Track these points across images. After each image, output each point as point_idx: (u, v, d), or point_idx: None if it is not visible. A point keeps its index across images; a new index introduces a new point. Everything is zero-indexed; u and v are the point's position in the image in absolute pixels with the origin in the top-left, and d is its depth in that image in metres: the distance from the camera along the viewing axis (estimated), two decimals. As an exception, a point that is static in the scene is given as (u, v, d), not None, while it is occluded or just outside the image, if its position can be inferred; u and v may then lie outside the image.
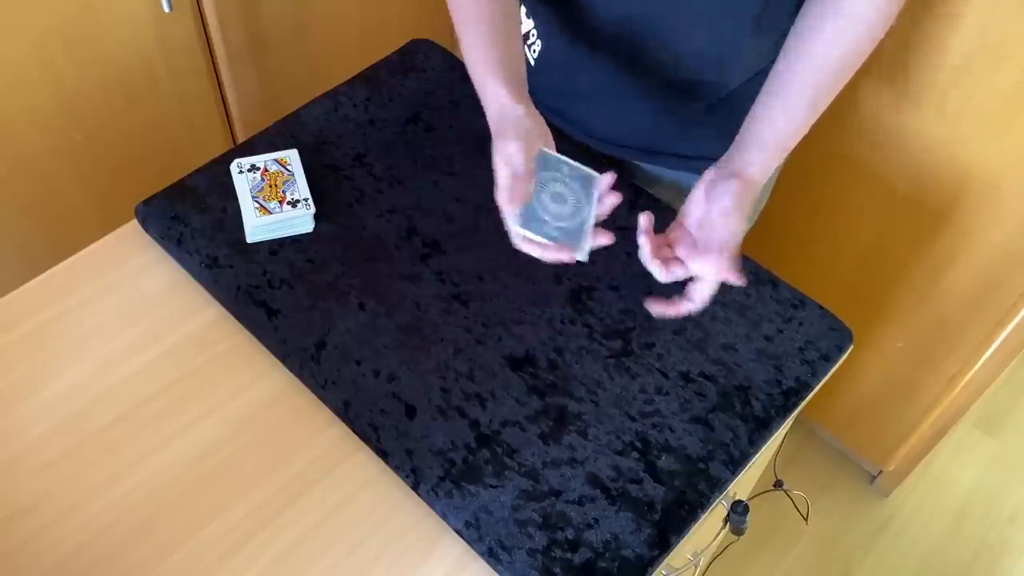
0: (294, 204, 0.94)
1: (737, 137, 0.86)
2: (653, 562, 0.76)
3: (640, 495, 0.79)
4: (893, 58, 1.23)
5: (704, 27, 0.89)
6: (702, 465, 0.82)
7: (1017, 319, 1.34)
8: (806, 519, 1.22)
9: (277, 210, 0.93)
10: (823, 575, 1.71)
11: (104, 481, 0.80)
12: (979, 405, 1.59)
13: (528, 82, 1.06)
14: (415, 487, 0.79)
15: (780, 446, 1.08)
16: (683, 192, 1.09)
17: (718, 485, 0.81)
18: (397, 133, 1.05)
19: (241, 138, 1.54)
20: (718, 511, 0.89)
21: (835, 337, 0.92)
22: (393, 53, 1.14)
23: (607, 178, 0.83)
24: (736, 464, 0.82)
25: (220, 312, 0.91)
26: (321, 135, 1.04)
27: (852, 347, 0.92)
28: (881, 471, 1.77)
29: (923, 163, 1.29)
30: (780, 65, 0.84)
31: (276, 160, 0.97)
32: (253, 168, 0.96)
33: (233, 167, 0.96)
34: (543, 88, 1.06)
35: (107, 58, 1.28)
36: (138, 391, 0.85)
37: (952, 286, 1.39)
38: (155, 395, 0.85)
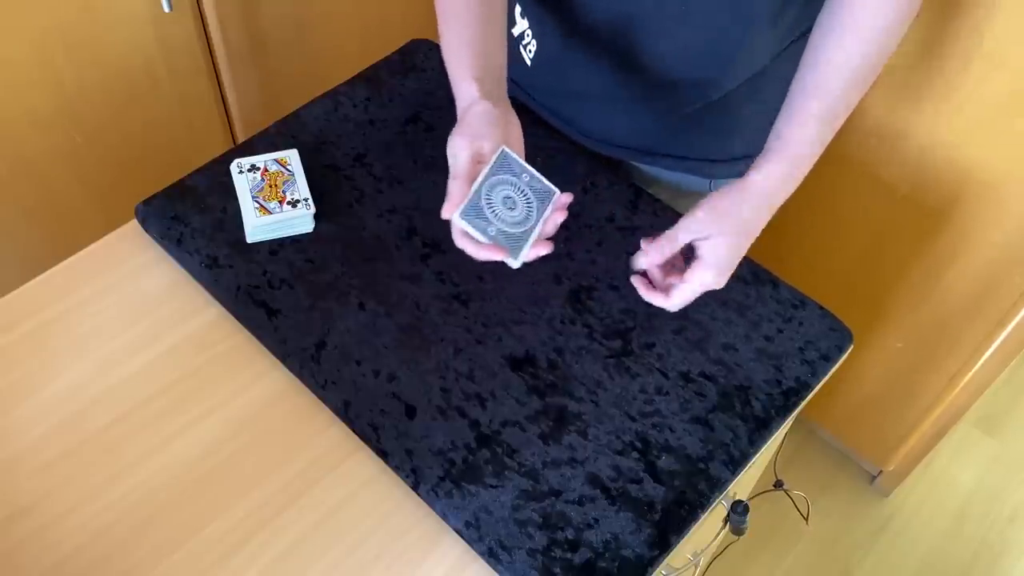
0: (294, 204, 0.94)
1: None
2: (653, 562, 0.76)
3: (640, 495, 0.79)
4: (893, 58, 1.23)
5: (697, 27, 0.89)
6: (702, 465, 0.82)
7: (1017, 319, 1.34)
8: (806, 519, 1.22)
9: (277, 210, 0.93)
10: (823, 575, 1.71)
11: (104, 481, 0.80)
12: (979, 405, 1.59)
13: (524, 82, 1.06)
14: (415, 487, 0.80)
15: (780, 446, 1.08)
16: (682, 192, 1.09)
17: (718, 485, 0.81)
18: (397, 133, 1.05)
19: (241, 138, 1.54)
20: (718, 511, 0.89)
21: (835, 337, 0.92)
22: (393, 53, 1.14)
23: (564, 197, 0.82)
24: (736, 464, 0.82)
25: (220, 312, 0.91)
26: (321, 135, 1.04)
27: (852, 347, 0.92)
28: (881, 471, 1.77)
29: (923, 163, 1.29)
30: (796, 76, 0.84)
31: (276, 160, 0.97)
32: (253, 168, 0.96)
33: (233, 167, 0.96)
34: (540, 88, 1.06)
35: (107, 58, 1.28)
36: (138, 391, 0.85)
37: (952, 286, 1.39)
38: (155, 395, 0.85)
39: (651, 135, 1.04)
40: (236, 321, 0.90)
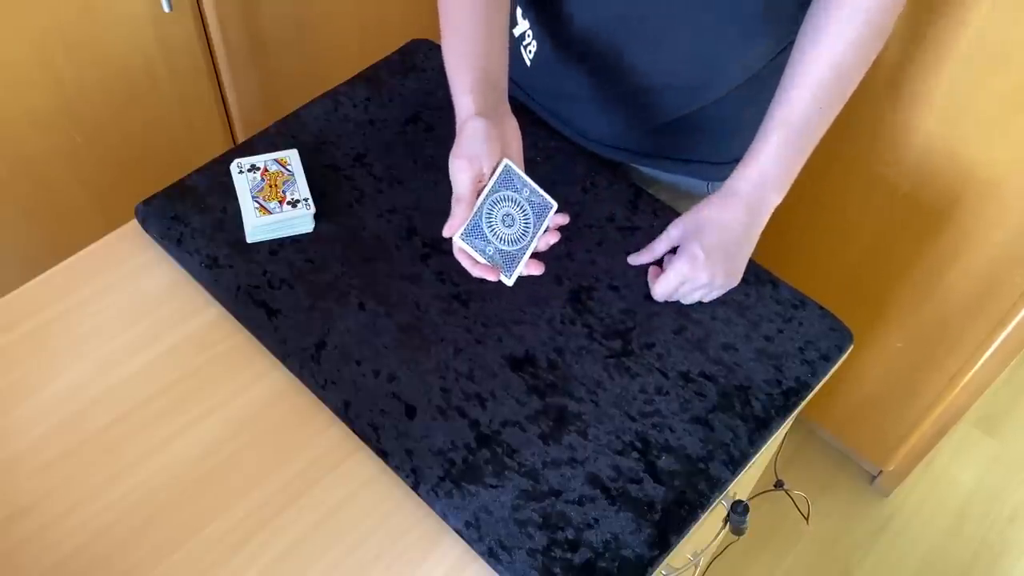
0: (294, 204, 0.94)
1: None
2: (653, 562, 0.76)
3: (640, 495, 0.79)
4: (893, 59, 1.23)
5: (692, 31, 0.89)
6: (702, 465, 0.82)
7: (1017, 319, 1.34)
8: (806, 519, 1.22)
9: (277, 210, 0.93)
10: (823, 575, 1.71)
11: (104, 481, 0.80)
12: (979, 405, 1.59)
13: (524, 83, 1.06)
14: (415, 487, 0.79)
15: (780, 446, 1.08)
16: (682, 192, 1.09)
17: (718, 485, 0.81)
18: (397, 133, 1.05)
19: (241, 138, 1.54)
20: (718, 511, 0.89)
21: (835, 337, 0.92)
22: (393, 53, 1.14)
23: (559, 217, 0.86)
24: (736, 464, 0.82)
25: (220, 312, 0.91)
26: (321, 135, 1.04)
27: (852, 347, 0.92)
28: (881, 471, 1.77)
29: (923, 163, 1.29)
30: (787, 67, 0.84)
31: (276, 160, 0.97)
32: (253, 168, 0.96)
33: (233, 167, 0.96)
34: (539, 89, 1.06)
35: (107, 58, 1.28)
36: (138, 391, 0.85)
37: (952, 286, 1.39)
38: (155, 395, 0.85)
39: (648, 137, 1.04)
40: (236, 321, 0.90)
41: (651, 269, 0.93)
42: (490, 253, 0.80)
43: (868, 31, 0.81)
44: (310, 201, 0.94)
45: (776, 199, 0.88)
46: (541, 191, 0.84)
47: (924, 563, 1.72)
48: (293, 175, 0.96)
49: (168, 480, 0.80)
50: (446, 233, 0.80)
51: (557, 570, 0.75)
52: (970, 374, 1.46)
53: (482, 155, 0.79)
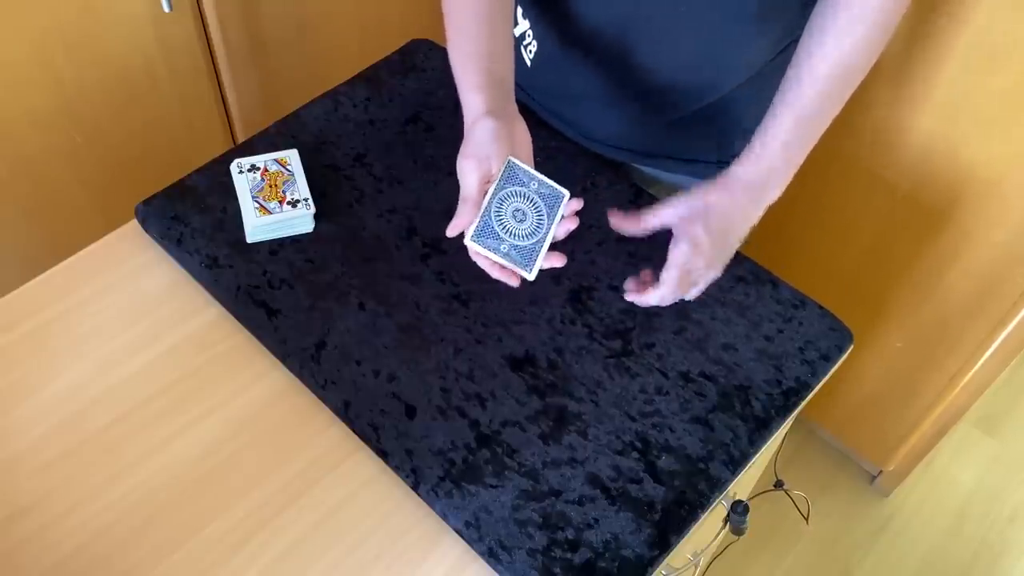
0: (294, 204, 0.94)
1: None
2: (653, 562, 0.76)
3: (640, 495, 0.79)
4: (893, 58, 1.23)
5: (696, 29, 0.89)
6: (702, 465, 0.82)
7: (1017, 319, 1.33)
8: (806, 519, 1.22)
9: (277, 210, 0.93)
10: (823, 575, 1.71)
11: (104, 481, 0.80)
12: (979, 405, 1.59)
13: (524, 83, 1.06)
14: (415, 487, 0.79)
15: (780, 446, 1.08)
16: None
17: (718, 485, 0.81)
18: (397, 133, 1.05)
19: (241, 138, 1.54)
20: (718, 511, 0.89)
21: (835, 337, 0.92)
22: (393, 53, 1.14)
23: (574, 203, 0.84)
24: (736, 464, 0.82)
25: (220, 312, 0.91)
26: (321, 135, 1.04)
27: (852, 347, 0.92)
28: (881, 471, 1.77)
29: (923, 163, 1.29)
30: (794, 62, 0.84)
31: (276, 160, 0.97)
32: (253, 168, 0.96)
33: (233, 167, 0.96)
34: (540, 89, 1.06)
35: (107, 58, 1.28)
36: (138, 391, 0.85)
37: (952, 286, 1.39)
38: (155, 395, 0.85)
39: (650, 136, 1.04)
40: (236, 321, 0.90)
41: (630, 282, 0.90)
42: (505, 251, 0.79)
43: (875, 31, 0.81)
44: (310, 201, 0.94)
45: (776, 193, 0.87)
46: (550, 181, 0.83)
47: (924, 563, 1.72)
48: (293, 175, 0.96)
49: (168, 480, 0.80)
50: (449, 232, 0.79)
51: (557, 570, 0.75)
52: (970, 374, 1.46)
53: (492, 155, 0.79)
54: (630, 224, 0.88)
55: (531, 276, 0.80)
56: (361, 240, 0.95)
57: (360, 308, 0.90)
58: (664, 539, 0.77)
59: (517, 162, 0.81)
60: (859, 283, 1.50)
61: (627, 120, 1.02)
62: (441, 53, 1.14)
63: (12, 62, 1.19)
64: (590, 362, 0.87)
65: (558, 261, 0.82)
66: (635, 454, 0.82)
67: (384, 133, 1.05)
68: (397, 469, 0.80)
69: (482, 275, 0.92)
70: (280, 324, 0.88)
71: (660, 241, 0.86)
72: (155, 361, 0.87)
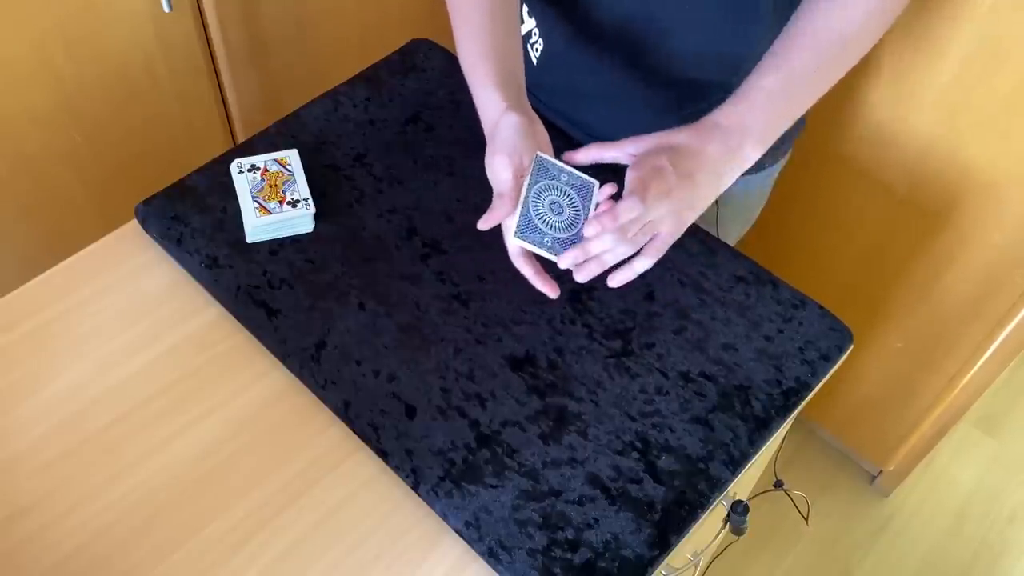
0: (294, 204, 0.94)
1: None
2: (653, 562, 0.76)
3: (640, 495, 0.79)
4: (893, 58, 1.23)
5: (708, 27, 0.89)
6: (702, 465, 0.82)
7: (1017, 319, 1.34)
8: (806, 519, 1.22)
9: (277, 210, 0.93)
10: (823, 575, 1.71)
11: (104, 481, 0.80)
12: (979, 405, 1.59)
13: (530, 82, 1.06)
14: (415, 487, 0.79)
15: (780, 446, 1.08)
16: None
17: (718, 485, 0.81)
18: (397, 133, 1.05)
19: (241, 138, 1.54)
20: (718, 511, 0.89)
21: (835, 337, 0.92)
22: (393, 53, 1.14)
23: (607, 188, 0.82)
24: (736, 464, 0.82)
25: (220, 312, 0.91)
26: (321, 135, 1.04)
27: (852, 347, 0.92)
28: (881, 471, 1.77)
29: (923, 163, 1.29)
30: (791, 25, 0.83)
31: (276, 160, 0.97)
32: (253, 168, 0.96)
33: (233, 167, 0.96)
34: (545, 87, 1.06)
35: (107, 57, 1.28)
36: (138, 391, 0.85)
37: (952, 286, 1.39)
38: (155, 395, 0.85)
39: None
40: (236, 321, 0.90)
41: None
42: (548, 244, 0.79)
43: (878, 15, 0.81)
44: (310, 201, 0.94)
45: (752, 152, 0.82)
46: (578, 173, 0.82)
47: (924, 563, 1.72)
48: (293, 175, 0.96)
49: (168, 480, 0.80)
50: (482, 225, 0.77)
51: (557, 570, 0.75)
52: (970, 374, 1.46)
53: (522, 150, 0.78)
54: (583, 156, 0.83)
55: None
56: (361, 240, 0.95)
57: (360, 308, 0.90)
58: (664, 539, 0.77)
59: (545, 156, 0.81)
60: (859, 283, 1.50)
61: (634, 118, 1.02)
62: (441, 53, 1.14)
63: (12, 60, 1.19)
64: (590, 362, 0.87)
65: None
66: (635, 454, 0.82)
67: (384, 133, 1.05)
68: (397, 469, 0.80)
69: (482, 275, 0.92)
70: (280, 324, 0.88)
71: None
72: (155, 361, 0.87)
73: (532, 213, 0.79)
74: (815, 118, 1.14)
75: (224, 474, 0.81)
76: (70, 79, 1.26)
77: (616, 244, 0.78)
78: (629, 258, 0.80)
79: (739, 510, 0.91)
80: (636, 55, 0.93)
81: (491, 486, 0.79)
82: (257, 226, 0.92)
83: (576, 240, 0.80)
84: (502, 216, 0.78)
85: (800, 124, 1.05)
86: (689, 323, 0.91)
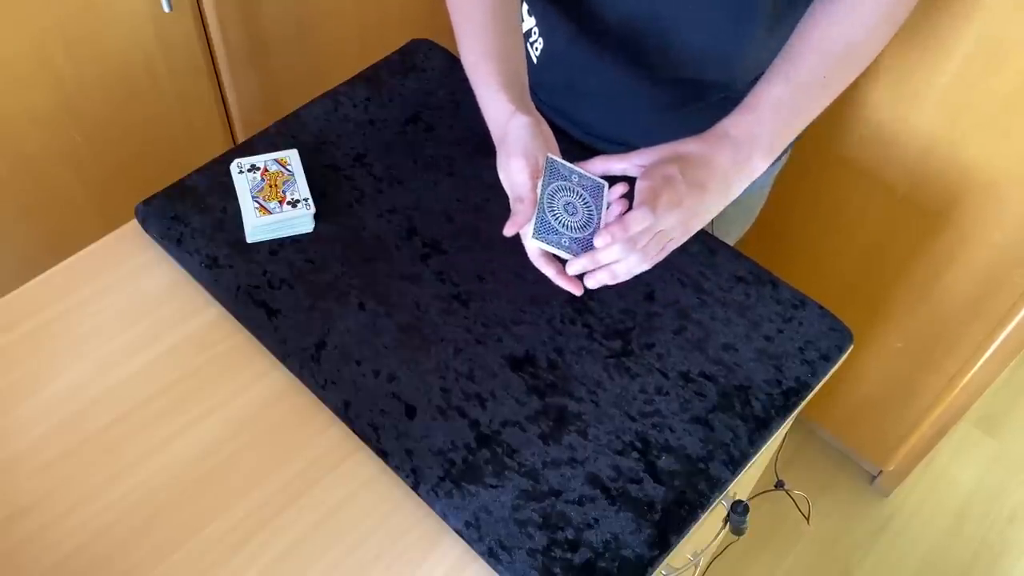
0: (294, 204, 0.94)
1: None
2: (653, 562, 0.76)
3: (640, 495, 0.79)
4: (894, 58, 1.23)
5: (710, 26, 0.89)
6: (702, 465, 0.82)
7: (1017, 319, 1.34)
8: (807, 519, 1.22)
9: (277, 210, 0.93)
10: (823, 575, 1.71)
11: (104, 481, 0.80)
12: (979, 405, 1.59)
13: (531, 80, 1.06)
14: (415, 487, 0.79)
15: (780, 446, 1.08)
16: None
17: (718, 485, 0.81)
18: (397, 133, 1.05)
19: (241, 138, 1.54)
20: (718, 511, 0.89)
21: (835, 337, 0.92)
22: (393, 53, 1.14)
23: (619, 187, 0.82)
24: (736, 464, 0.82)
25: (220, 312, 0.91)
26: (321, 135, 1.04)
27: (852, 347, 0.92)
28: (881, 471, 1.77)
29: (923, 163, 1.29)
30: (798, 34, 0.83)
31: (276, 160, 0.97)
32: (253, 168, 0.96)
33: (233, 167, 0.96)
34: (545, 86, 1.06)
35: (107, 57, 1.28)
36: (138, 391, 0.85)
37: (952, 286, 1.39)
38: (155, 395, 0.85)
39: (658, 135, 1.03)
40: (236, 321, 0.90)
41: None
42: (566, 244, 0.79)
43: (885, 23, 0.81)
44: (310, 201, 0.94)
45: (761, 162, 0.82)
46: (587, 173, 0.83)
47: (924, 563, 1.72)
48: (293, 175, 0.96)
49: (168, 480, 0.80)
50: (507, 232, 0.77)
51: (557, 570, 0.75)
52: (970, 374, 1.46)
53: (537, 151, 0.78)
54: (592, 166, 0.83)
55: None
56: (361, 240, 0.95)
57: (360, 308, 0.90)
58: (664, 539, 0.77)
59: (556, 158, 0.81)
60: (859, 283, 1.50)
61: (636, 117, 1.02)
62: (441, 53, 1.14)
63: (12, 60, 1.19)
64: (590, 362, 0.87)
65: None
66: (635, 454, 0.82)
67: (384, 133, 1.05)
68: (397, 469, 0.80)
69: (482, 275, 0.92)
70: (280, 324, 0.88)
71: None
72: (155, 361, 0.87)
73: (548, 214, 0.79)
74: (816, 118, 1.14)
75: (224, 474, 0.81)
76: (70, 79, 1.26)
77: (626, 254, 0.78)
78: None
79: (739, 510, 0.91)
80: (638, 54, 0.93)
81: (491, 486, 0.79)
82: (257, 226, 0.92)
83: (592, 239, 0.80)
84: (524, 221, 0.77)
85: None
86: (689, 323, 0.91)
